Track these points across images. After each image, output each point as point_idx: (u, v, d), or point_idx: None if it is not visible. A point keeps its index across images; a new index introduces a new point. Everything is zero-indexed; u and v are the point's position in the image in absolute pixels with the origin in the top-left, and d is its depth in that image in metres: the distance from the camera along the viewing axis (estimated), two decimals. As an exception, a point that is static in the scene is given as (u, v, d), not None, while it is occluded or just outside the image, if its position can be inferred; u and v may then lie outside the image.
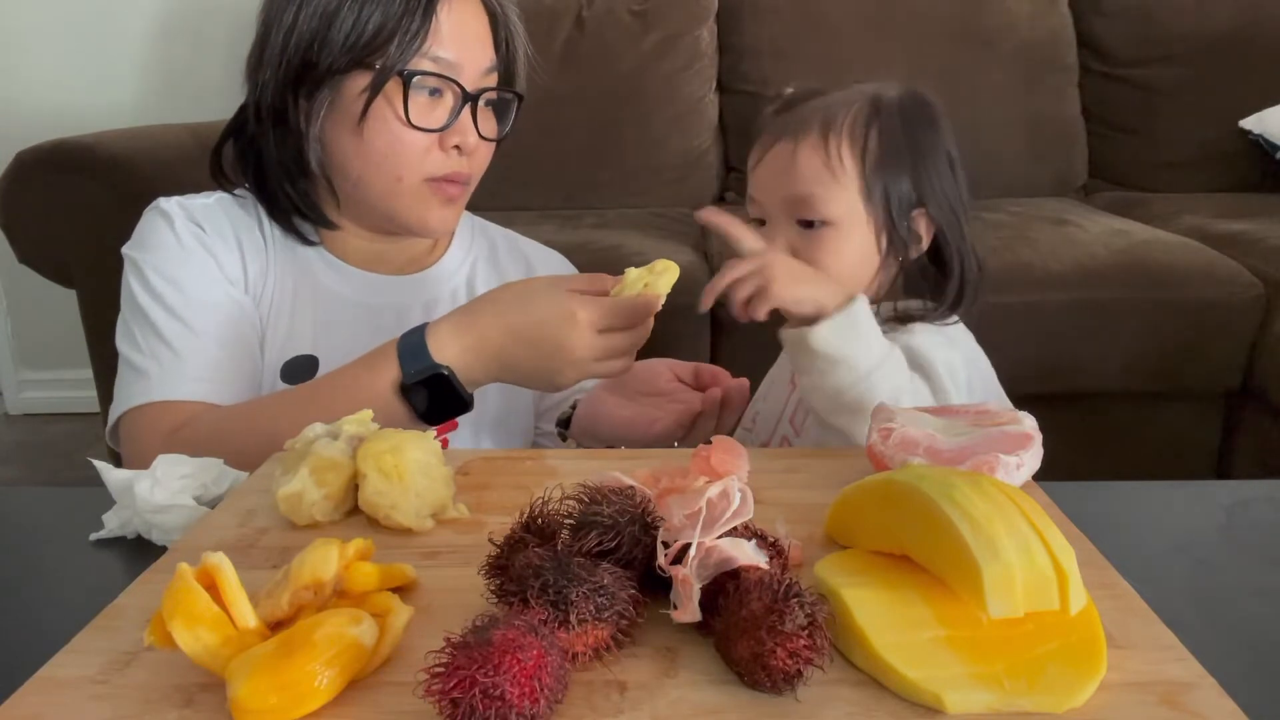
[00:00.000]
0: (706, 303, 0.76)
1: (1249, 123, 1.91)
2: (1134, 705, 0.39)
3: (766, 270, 0.73)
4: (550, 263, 1.05)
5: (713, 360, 1.48)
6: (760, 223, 0.93)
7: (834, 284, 0.76)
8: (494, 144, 0.92)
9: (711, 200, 2.06)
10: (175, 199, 0.93)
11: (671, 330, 1.50)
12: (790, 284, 0.73)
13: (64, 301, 1.60)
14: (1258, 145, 1.91)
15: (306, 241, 0.93)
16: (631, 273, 0.76)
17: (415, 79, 0.83)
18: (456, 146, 0.86)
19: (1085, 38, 2.05)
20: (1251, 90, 1.93)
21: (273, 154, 0.89)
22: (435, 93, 0.85)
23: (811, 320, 0.74)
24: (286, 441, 0.62)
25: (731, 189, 2.07)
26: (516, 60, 0.94)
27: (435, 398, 0.76)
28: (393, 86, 0.83)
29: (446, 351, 0.75)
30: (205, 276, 0.88)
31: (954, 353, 0.83)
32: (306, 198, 0.91)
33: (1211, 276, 1.47)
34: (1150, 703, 0.39)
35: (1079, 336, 1.47)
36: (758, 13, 2.03)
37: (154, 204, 0.92)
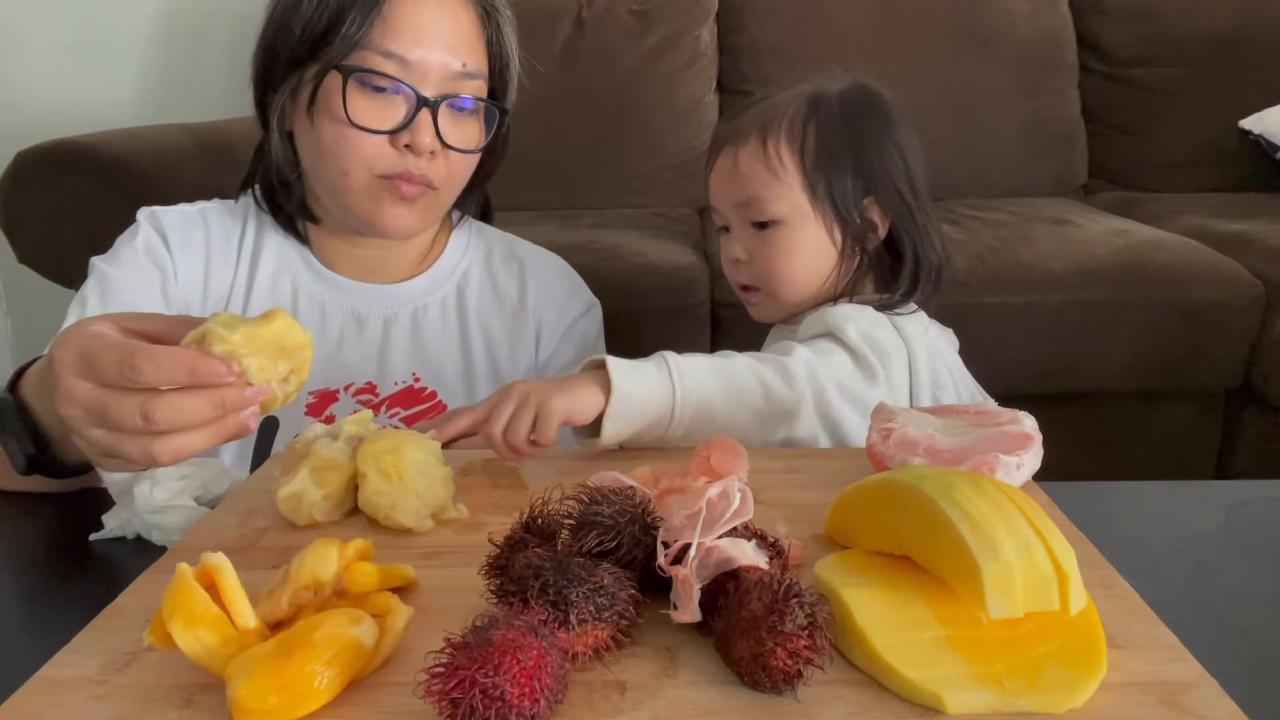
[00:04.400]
0: (445, 436, 0.67)
1: (1249, 123, 1.91)
2: (1134, 705, 0.39)
3: (530, 394, 0.67)
4: (547, 265, 1.04)
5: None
6: (725, 230, 0.95)
7: (579, 378, 0.69)
8: (470, 154, 0.89)
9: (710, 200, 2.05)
10: (154, 208, 0.93)
11: (671, 332, 1.51)
12: (556, 393, 0.67)
13: (64, 301, 1.59)
14: (1258, 145, 1.91)
15: (302, 240, 0.94)
16: (220, 319, 0.50)
17: (358, 74, 0.81)
18: (408, 146, 0.83)
19: (1085, 38, 2.05)
20: (1251, 90, 1.93)
21: (266, 150, 0.90)
22: (381, 90, 0.82)
23: (594, 420, 0.68)
24: (287, 442, 0.62)
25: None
26: (507, 70, 0.91)
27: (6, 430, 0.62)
28: (337, 81, 0.82)
29: (29, 385, 0.63)
30: (140, 294, 0.87)
31: (883, 332, 0.83)
32: (289, 193, 0.91)
33: (1211, 276, 1.47)
34: (1150, 703, 0.39)
35: (1079, 336, 1.47)
36: (758, 13, 2.03)
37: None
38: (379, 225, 0.87)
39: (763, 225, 0.90)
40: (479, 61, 0.88)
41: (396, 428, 0.88)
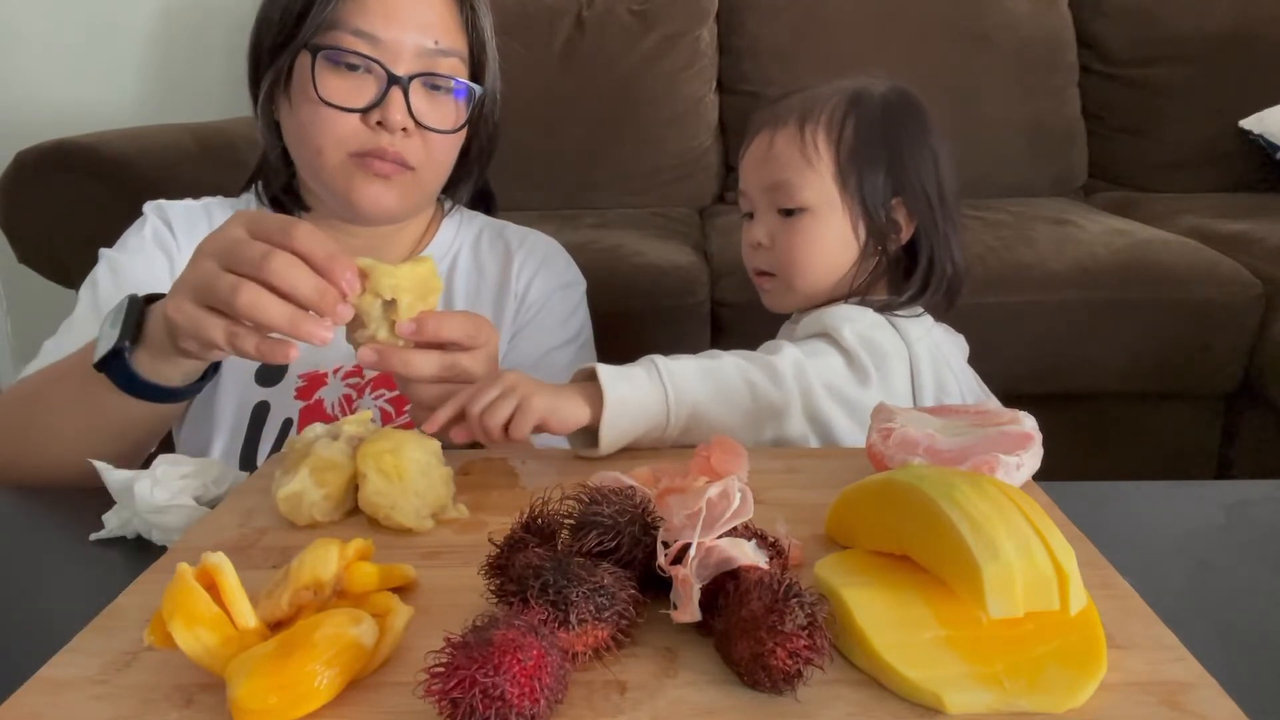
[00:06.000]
0: (434, 427, 0.65)
1: (1249, 123, 1.91)
2: (1134, 705, 0.39)
3: (518, 387, 0.66)
4: (534, 242, 1.04)
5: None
6: (750, 216, 0.95)
7: (569, 387, 0.69)
8: (449, 135, 0.89)
9: (711, 200, 2.05)
10: (159, 201, 0.95)
11: (671, 332, 1.51)
12: (541, 393, 0.66)
13: (64, 301, 1.59)
14: (1258, 145, 1.91)
15: None
16: (370, 261, 0.61)
17: (326, 52, 0.83)
18: (380, 123, 0.84)
19: (1085, 38, 2.05)
20: (1251, 90, 1.92)
21: (262, 142, 0.92)
22: (353, 68, 0.83)
23: (588, 429, 0.68)
24: (287, 441, 0.62)
25: (731, 189, 2.06)
26: (484, 53, 0.92)
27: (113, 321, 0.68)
28: (308, 61, 0.83)
29: (161, 301, 0.66)
30: (150, 275, 0.88)
31: (882, 334, 0.83)
32: (278, 178, 0.93)
33: (1211, 276, 1.47)
34: (1150, 703, 0.39)
35: (1079, 336, 1.47)
36: (758, 13, 2.03)
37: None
38: (356, 204, 0.87)
39: (789, 213, 0.90)
40: (454, 40, 0.88)
41: (383, 409, 0.89)
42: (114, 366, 0.67)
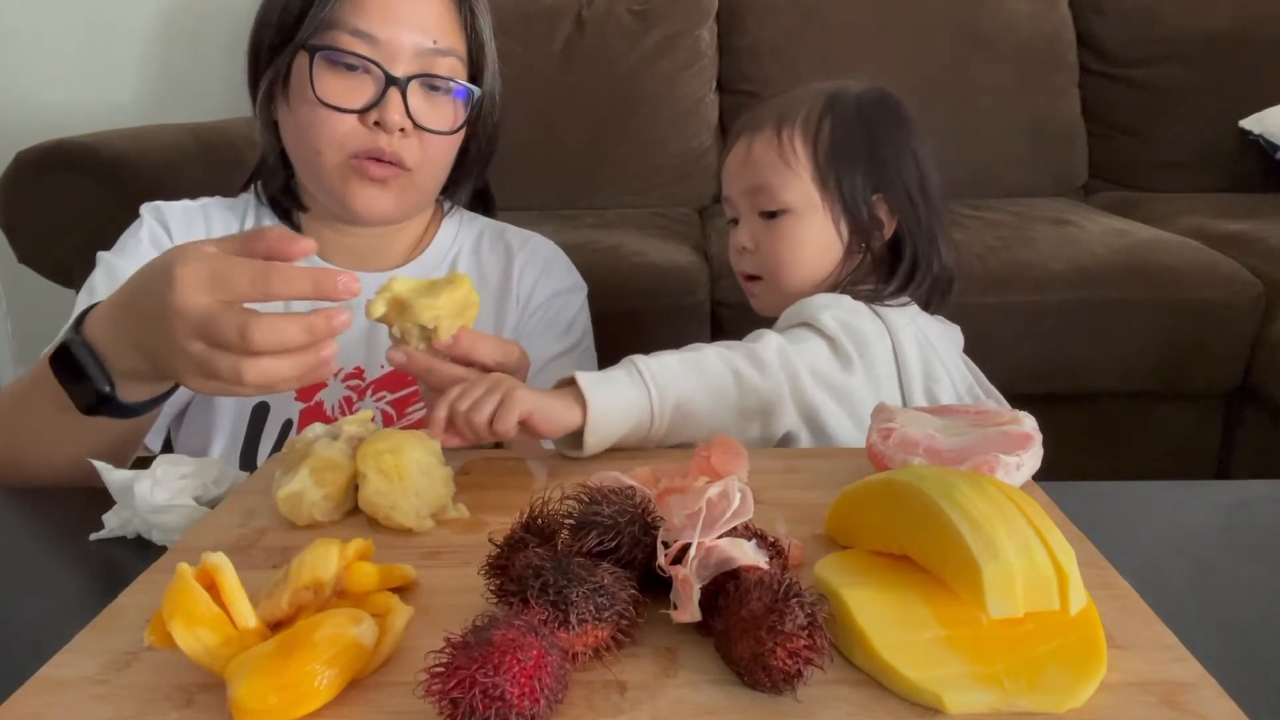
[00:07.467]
0: (437, 430, 0.64)
1: (1249, 123, 1.91)
2: (1134, 705, 0.39)
3: (499, 384, 0.66)
4: (535, 245, 1.03)
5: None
6: (734, 222, 0.96)
7: (556, 391, 0.68)
8: (447, 136, 0.89)
9: (711, 200, 2.06)
10: (156, 203, 0.95)
11: (671, 332, 1.51)
12: (524, 390, 0.65)
13: (64, 301, 1.60)
14: (1258, 145, 1.91)
15: (296, 230, 0.94)
16: (407, 285, 0.64)
17: (324, 53, 0.83)
18: (378, 123, 0.84)
19: (1085, 38, 2.05)
20: (1251, 90, 1.93)
21: (261, 143, 0.92)
22: (352, 68, 0.83)
23: (575, 432, 0.67)
24: (287, 442, 0.62)
25: (731, 189, 2.07)
26: (483, 54, 0.91)
27: (74, 373, 0.64)
28: (306, 61, 0.83)
29: (96, 326, 0.64)
30: None
31: (861, 319, 0.83)
32: (275, 178, 0.93)
33: (1211, 276, 1.47)
34: (1150, 703, 0.39)
35: (1079, 336, 1.47)
36: (758, 13, 2.03)
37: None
38: (352, 207, 0.87)
39: (771, 215, 0.91)
40: (452, 40, 0.88)
41: (384, 412, 0.89)
42: (106, 407, 0.65)
